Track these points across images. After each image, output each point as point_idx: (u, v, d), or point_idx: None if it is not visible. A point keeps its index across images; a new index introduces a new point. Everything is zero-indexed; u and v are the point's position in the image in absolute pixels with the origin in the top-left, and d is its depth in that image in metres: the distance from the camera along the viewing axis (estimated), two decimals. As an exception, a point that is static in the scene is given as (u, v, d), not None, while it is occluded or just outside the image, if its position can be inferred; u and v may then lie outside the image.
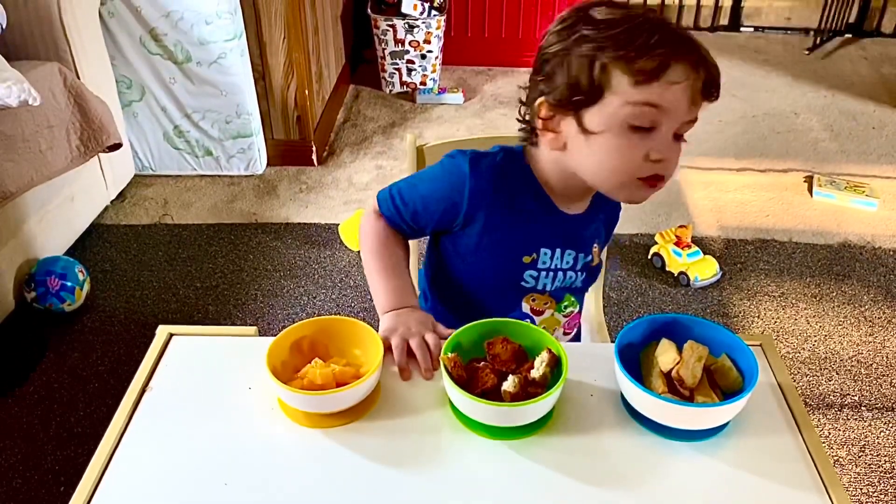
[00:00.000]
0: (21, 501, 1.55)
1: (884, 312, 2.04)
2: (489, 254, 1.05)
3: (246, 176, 2.64)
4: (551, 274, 1.07)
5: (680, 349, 0.88)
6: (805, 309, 2.06)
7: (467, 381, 0.86)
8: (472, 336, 0.92)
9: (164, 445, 0.85)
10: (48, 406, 1.76)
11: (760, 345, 0.99)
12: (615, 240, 2.30)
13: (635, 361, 0.90)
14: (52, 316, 1.98)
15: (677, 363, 0.86)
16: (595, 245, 1.10)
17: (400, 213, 1.05)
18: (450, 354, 0.87)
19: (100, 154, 2.28)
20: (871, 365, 1.88)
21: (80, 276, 2.01)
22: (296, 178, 2.63)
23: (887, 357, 1.90)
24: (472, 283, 1.09)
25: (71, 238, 2.24)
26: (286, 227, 2.39)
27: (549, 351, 0.88)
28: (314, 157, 2.69)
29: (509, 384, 0.85)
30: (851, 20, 3.77)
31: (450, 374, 0.85)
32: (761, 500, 0.80)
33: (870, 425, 1.72)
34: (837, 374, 1.85)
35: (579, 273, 1.09)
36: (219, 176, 2.64)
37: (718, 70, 0.92)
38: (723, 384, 0.88)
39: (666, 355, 0.88)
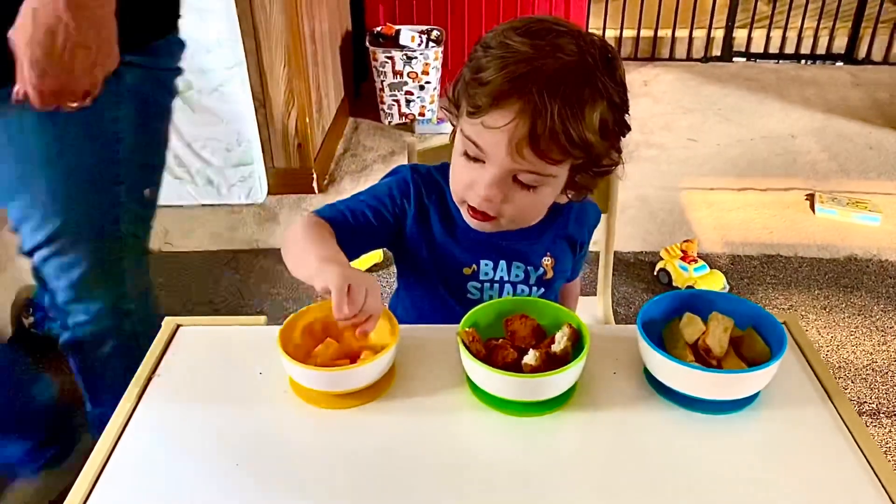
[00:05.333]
0: (17, 526, 1.50)
1: (895, 322, 2.02)
2: (434, 266, 1.03)
3: (247, 205, 2.63)
4: (496, 286, 1.03)
5: (704, 322, 0.86)
6: (815, 320, 2.03)
7: (486, 357, 0.83)
8: (489, 315, 0.89)
9: (171, 428, 0.82)
10: (46, 430, 1.71)
11: (785, 323, 0.96)
12: (618, 257, 2.28)
13: (658, 338, 0.88)
14: (51, 342, 1.94)
15: (703, 333, 0.84)
16: (546, 257, 1.05)
17: (341, 209, 0.99)
18: (468, 329, 0.84)
19: (100, 182, 2.27)
20: (887, 373, 1.85)
21: (80, 301, 1.97)
22: (297, 206, 2.62)
23: (902, 365, 1.87)
24: (429, 299, 1.07)
25: (70, 266, 2.22)
26: (288, 251, 2.36)
27: (570, 325, 0.85)
28: (315, 184, 2.69)
29: (530, 357, 0.82)
30: (841, 49, 3.83)
31: (468, 348, 0.82)
32: (798, 471, 0.76)
33: (889, 431, 1.68)
34: (853, 382, 1.81)
35: (533, 288, 1.05)
36: (219, 205, 2.63)
37: (560, 124, 0.81)
38: (750, 356, 0.85)
39: (691, 327, 0.85)
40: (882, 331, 1.98)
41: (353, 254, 1.00)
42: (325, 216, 0.96)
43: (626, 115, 0.90)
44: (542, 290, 1.06)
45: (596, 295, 1.49)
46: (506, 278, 1.04)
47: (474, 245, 1.02)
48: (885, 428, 1.69)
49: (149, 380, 0.88)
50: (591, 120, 0.84)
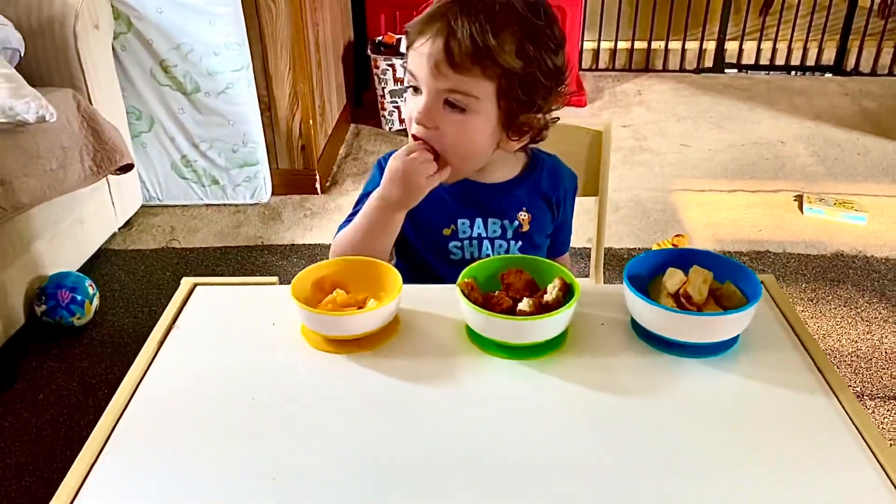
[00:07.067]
0: (31, 499, 1.55)
1: (879, 312, 2.08)
2: (417, 234, 1.12)
3: (251, 204, 2.70)
4: (475, 242, 1.11)
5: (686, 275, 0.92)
6: (802, 311, 2.10)
7: (483, 305, 0.90)
8: (487, 271, 0.96)
9: (189, 372, 0.88)
10: (58, 410, 1.77)
11: (763, 282, 1.03)
12: (611, 253, 2.35)
13: (643, 292, 0.94)
14: (62, 330, 2.00)
15: (684, 283, 0.91)
16: (523, 212, 1.12)
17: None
18: (466, 280, 0.91)
19: (109, 180, 2.34)
20: (871, 359, 1.91)
21: (91, 290, 2.04)
22: (300, 205, 2.69)
23: (885, 352, 1.93)
24: (418, 268, 1.14)
25: (80, 260, 2.28)
26: (292, 247, 2.43)
27: (561, 278, 0.92)
28: (318, 185, 2.76)
29: (524, 304, 0.89)
30: (830, 61, 3.93)
31: (466, 296, 0.88)
32: (772, 406, 0.83)
33: (873, 412, 1.74)
34: (838, 367, 1.88)
35: (512, 242, 1.12)
36: (224, 205, 2.70)
37: (469, 36, 0.93)
38: (729, 306, 0.91)
39: (673, 278, 0.92)
40: (867, 321, 2.05)
41: (390, 244, 1.11)
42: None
43: (556, 57, 0.99)
44: (521, 243, 1.13)
45: (588, 277, 1.55)
46: (483, 234, 1.11)
47: (450, 206, 1.10)
48: (869, 409, 1.75)
49: (167, 333, 0.94)
50: (504, 39, 0.94)
